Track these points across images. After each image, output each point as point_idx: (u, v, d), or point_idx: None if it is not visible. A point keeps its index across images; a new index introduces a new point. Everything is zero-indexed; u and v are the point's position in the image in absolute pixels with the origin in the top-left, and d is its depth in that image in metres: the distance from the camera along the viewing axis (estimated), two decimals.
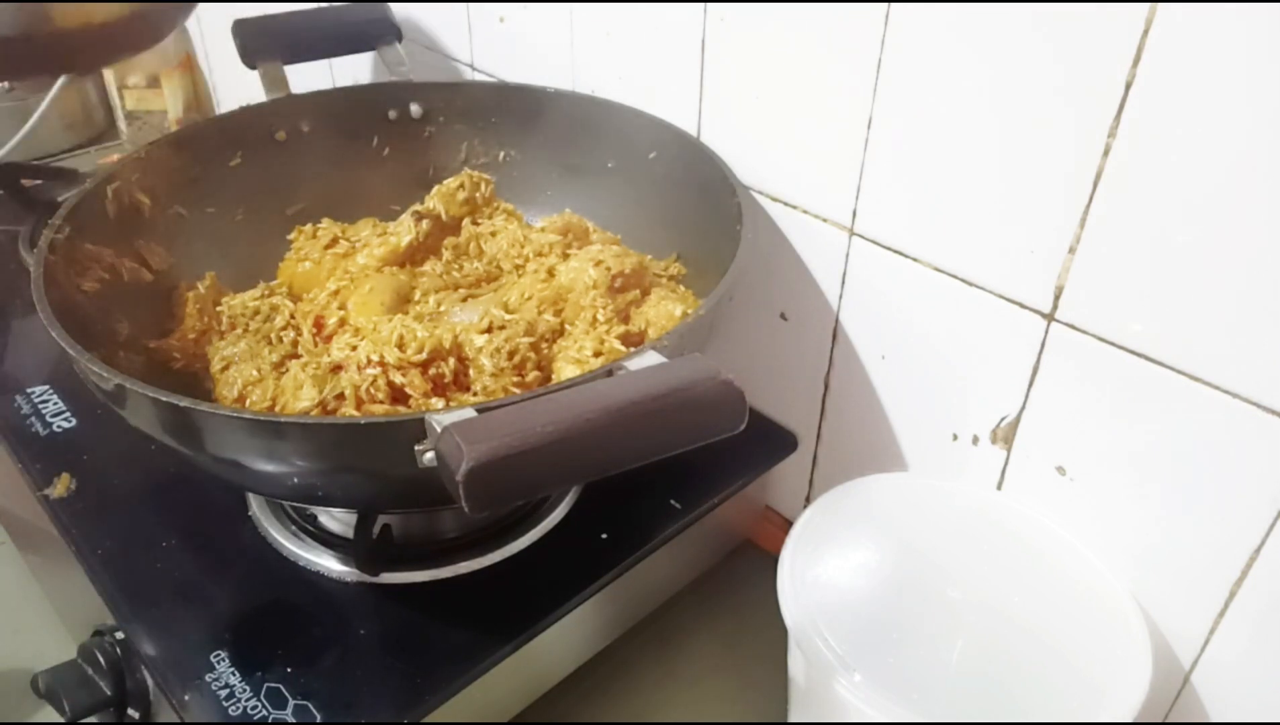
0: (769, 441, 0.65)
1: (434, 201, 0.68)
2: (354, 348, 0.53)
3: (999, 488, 0.55)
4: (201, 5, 1.09)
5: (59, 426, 0.62)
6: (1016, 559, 0.50)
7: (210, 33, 1.11)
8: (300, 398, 0.50)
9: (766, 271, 0.62)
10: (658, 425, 0.38)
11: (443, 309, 0.59)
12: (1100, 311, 0.46)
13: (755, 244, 0.54)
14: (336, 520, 0.55)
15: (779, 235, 0.60)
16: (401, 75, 0.74)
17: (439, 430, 0.36)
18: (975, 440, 0.55)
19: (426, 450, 0.37)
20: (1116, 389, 0.47)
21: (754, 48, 0.56)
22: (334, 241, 0.66)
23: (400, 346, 0.51)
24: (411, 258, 0.64)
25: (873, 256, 0.55)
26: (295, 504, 0.56)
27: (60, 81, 0.88)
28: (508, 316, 0.55)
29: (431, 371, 0.51)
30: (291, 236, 0.68)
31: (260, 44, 0.71)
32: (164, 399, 0.41)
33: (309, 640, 0.49)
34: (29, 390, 0.66)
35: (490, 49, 0.77)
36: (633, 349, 0.51)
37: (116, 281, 0.57)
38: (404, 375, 0.50)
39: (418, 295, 0.61)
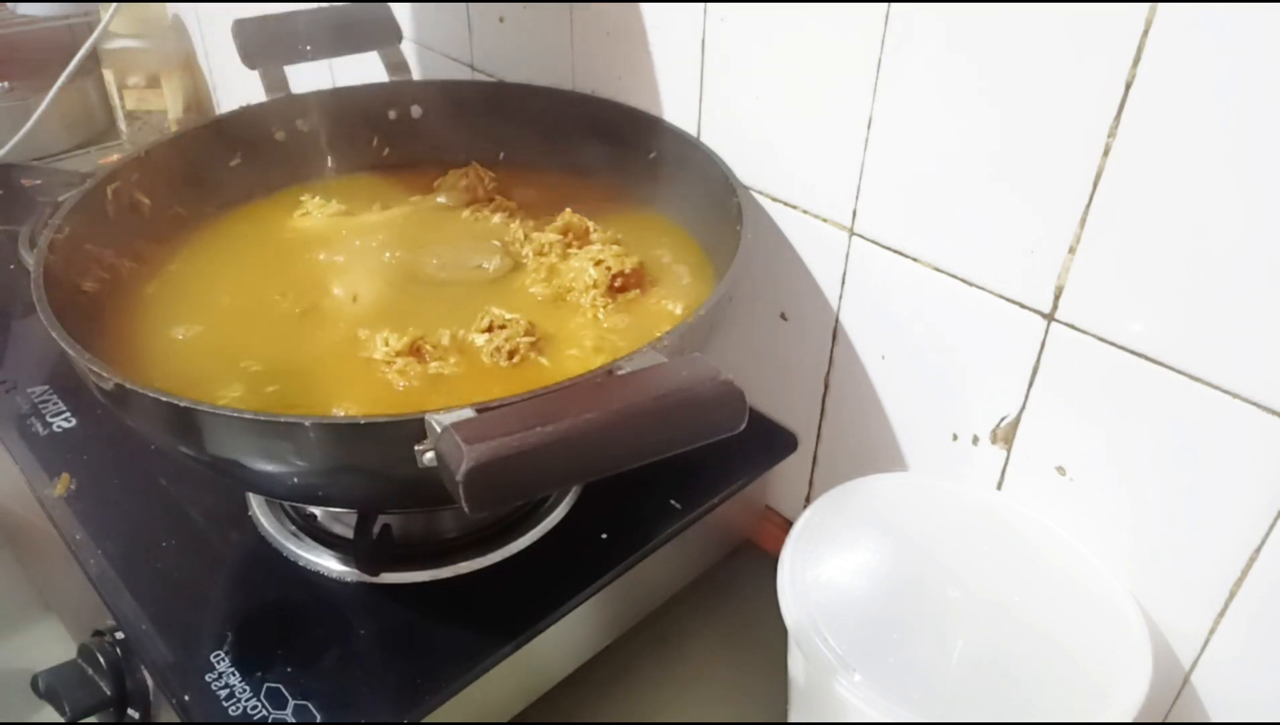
0: (769, 441, 0.65)
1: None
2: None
3: (999, 488, 0.55)
4: (201, 5, 1.09)
5: (59, 426, 0.62)
6: (1016, 559, 0.50)
7: (210, 33, 1.11)
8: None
9: (766, 271, 0.62)
10: (658, 425, 0.38)
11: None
12: (1100, 311, 0.46)
13: (755, 244, 0.54)
14: (336, 520, 0.55)
15: (779, 235, 0.60)
16: (402, 75, 0.74)
17: (439, 430, 0.36)
18: (975, 440, 0.55)
19: (426, 450, 0.37)
20: (1116, 389, 0.47)
21: (754, 48, 0.56)
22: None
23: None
24: None
25: (873, 256, 0.55)
26: (295, 504, 0.56)
27: (60, 81, 0.89)
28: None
29: None
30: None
31: (260, 44, 0.71)
32: (164, 399, 0.41)
33: (309, 640, 0.49)
34: (29, 390, 0.66)
35: (490, 49, 0.77)
36: (633, 349, 0.51)
37: (116, 281, 0.57)
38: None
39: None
